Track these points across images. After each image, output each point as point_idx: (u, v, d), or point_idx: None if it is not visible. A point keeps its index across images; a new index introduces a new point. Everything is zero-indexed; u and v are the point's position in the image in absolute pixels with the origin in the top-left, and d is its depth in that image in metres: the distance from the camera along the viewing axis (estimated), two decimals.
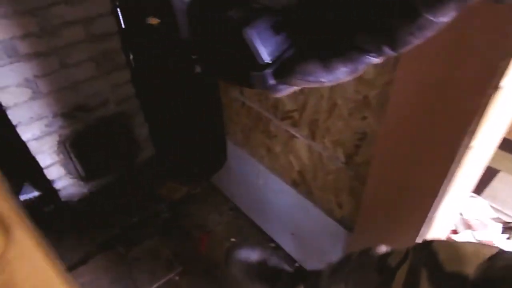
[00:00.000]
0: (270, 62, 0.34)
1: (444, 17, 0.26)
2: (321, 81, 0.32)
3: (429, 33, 0.27)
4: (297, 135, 1.22)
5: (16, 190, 1.89)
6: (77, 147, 1.74)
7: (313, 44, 0.33)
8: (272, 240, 1.64)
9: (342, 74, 0.31)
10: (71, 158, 1.75)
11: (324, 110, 1.07)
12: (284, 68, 0.33)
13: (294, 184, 1.35)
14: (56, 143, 1.67)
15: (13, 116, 1.52)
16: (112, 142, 1.86)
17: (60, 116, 1.64)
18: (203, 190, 1.90)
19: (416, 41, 0.27)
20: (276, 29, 0.33)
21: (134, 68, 1.78)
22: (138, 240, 1.61)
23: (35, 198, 1.91)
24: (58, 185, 1.79)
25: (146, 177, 1.93)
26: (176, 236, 1.67)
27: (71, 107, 1.64)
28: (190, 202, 1.83)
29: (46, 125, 1.62)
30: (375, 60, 0.30)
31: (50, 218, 1.79)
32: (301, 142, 1.21)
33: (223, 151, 1.68)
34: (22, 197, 1.89)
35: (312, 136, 1.16)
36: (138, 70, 1.79)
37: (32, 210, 1.81)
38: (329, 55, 0.31)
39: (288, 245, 1.58)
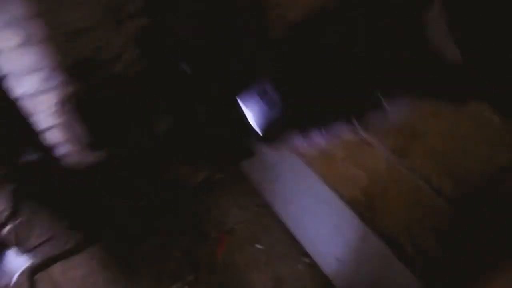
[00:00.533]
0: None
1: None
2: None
3: None
4: (375, 143, 0.83)
5: (18, 150, 1.63)
6: (83, 109, 1.43)
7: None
8: (307, 255, 1.31)
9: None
10: (74, 122, 1.45)
11: None
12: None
13: (354, 202, 0.98)
14: (55, 102, 1.37)
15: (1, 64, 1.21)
16: (125, 107, 1.53)
17: (60, 70, 1.31)
18: (226, 176, 1.57)
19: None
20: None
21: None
22: (142, 235, 1.33)
23: (38, 161, 1.65)
24: (59, 151, 1.51)
25: (162, 153, 1.61)
26: (189, 234, 1.37)
27: (73, 59, 1.31)
28: (209, 190, 1.52)
29: (43, 80, 1.31)
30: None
31: (49, 185, 1.55)
32: (379, 153, 0.83)
33: None
34: (25, 158, 1.64)
35: (402, 150, 0.78)
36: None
37: (33, 173, 1.57)
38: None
39: (329, 267, 1.25)
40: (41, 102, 1.34)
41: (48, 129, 1.42)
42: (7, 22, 1.13)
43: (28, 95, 1.31)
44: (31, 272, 1.24)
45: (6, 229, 1.37)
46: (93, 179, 1.54)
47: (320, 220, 1.16)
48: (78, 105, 1.40)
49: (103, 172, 1.56)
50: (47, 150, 1.49)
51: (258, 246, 1.35)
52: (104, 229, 1.37)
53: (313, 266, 1.28)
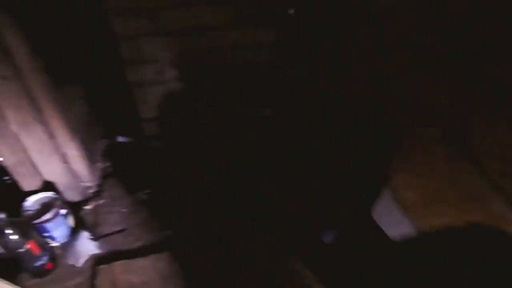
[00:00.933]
0: None
1: None
2: None
3: None
4: None
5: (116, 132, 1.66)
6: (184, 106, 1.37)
7: None
8: None
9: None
10: (172, 118, 1.40)
11: None
12: None
13: None
14: (161, 96, 1.33)
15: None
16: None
17: (175, 66, 1.27)
18: None
19: None
20: None
21: None
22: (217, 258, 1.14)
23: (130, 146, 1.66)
24: (152, 142, 1.49)
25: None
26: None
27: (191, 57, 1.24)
28: None
29: (158, 72, 1.28)
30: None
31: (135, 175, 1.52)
32: None
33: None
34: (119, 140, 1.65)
35: None
36: None
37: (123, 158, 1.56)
38: None
39: None
40: (150, 93, 1.32)
41: (149, 120, 1.40)
42: None
43: (141, 84, 1.30)
44: (96, 262, 1.19)
45: (88, 207, 1.37)
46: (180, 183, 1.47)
47: None
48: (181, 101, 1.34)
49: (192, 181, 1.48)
50: (141, 139, 1.47)
51: None
52: (178, 238, 1.26)
53: None
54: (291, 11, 1.23)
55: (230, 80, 1.32)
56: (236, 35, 1.23)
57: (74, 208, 1.31)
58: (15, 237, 1.00)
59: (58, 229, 1.19)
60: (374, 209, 0.99)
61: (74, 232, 1.24)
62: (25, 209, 1.16)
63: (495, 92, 0.92)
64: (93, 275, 1.15)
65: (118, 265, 1.17)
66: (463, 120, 0.99)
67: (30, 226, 1.08)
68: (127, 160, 1.52)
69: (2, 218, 0.97)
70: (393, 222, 0.89)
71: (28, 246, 1.04)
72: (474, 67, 0.94)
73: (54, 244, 1.21)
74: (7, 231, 0.99)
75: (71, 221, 1.24)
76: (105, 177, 1.47)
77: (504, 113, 0.90)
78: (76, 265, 1.17)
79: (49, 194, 1.20)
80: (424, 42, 1.00)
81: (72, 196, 1.35)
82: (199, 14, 1.16)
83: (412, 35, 1.01)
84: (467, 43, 0.93)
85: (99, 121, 1.55)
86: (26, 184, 1.24)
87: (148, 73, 1.25)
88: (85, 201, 1.37)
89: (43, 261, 1.11)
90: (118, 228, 1.29)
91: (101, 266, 1.16)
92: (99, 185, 1.43)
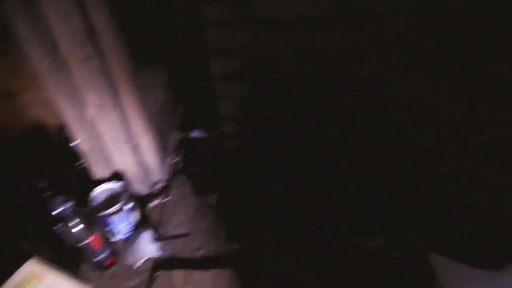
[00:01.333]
0: None
1: None
2: None
3: None
4: None
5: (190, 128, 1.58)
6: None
7: None
8: None
9: None
10: (248, 120, 1.25)
11: None
12: None
13: None
14: (241, 94, 1.19)
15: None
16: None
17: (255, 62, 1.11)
18: None
19: None
20: None
21: None
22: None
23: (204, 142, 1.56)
24: (229, 142, 1.36)
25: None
26: None
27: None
28: None
29: (242, 67, 1.14)
30: None
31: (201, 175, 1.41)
32: None
33: None
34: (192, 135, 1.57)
35: None
36: None
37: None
38: None
39: None
40: (233, 89, 1.19)
41: (226, 117, 1.28)
42: None
43: (224, 78, 1.17)
44: (155, 265, 1.10)
45: (153, 203, 1.29)
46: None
47: None
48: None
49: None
50: (217, 137, 1.36)
51: None
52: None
53: None
54: None
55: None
56: None
57: (139, 202, 1.23)
58: (80, 228, 0.94)
59: (122, 223, 1.12)
60: None
61: (136, 229, 1.16)
62: (92, 199, 1.11)
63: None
64: (151, 279, 1.05)
65: (178, 274, 1.06)
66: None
67: (95, 219, 1.02)
68: (199, 158, 1.42)
69: (70, 206, 0.90)
70: None
71: (91, 238, 0.98)
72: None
73: (115, 239, 1.15)
74: (73, 222, 0.93)
75: (135, 217, 1.17)
76: (174, 173, 1.39)
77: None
78: (135, 265, 1.09)
79: (117, 185, 1.14)
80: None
81: (139, 189, 1.28)
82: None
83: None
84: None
85: (174, 114, 1.48)
86: (97, 171, 1.19)
87: (234, 66, 1.13)
88: (151, 197, 1.29)
89: (104, 255, 1.04)
90: (181, 231, 1.18)
91: (160, 272, 1.06)
92: (167, 181, 1.35)
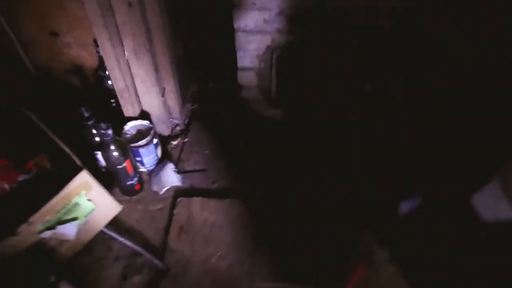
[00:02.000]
0: None
1: None
2: None
3: None
4: None
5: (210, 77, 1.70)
6: (283, 64, 1.34)
7: None
8: None
9: None
10: (270, 72, 1.39)
11: None
12: None
13: None
14: (264, 46, 1.31)
15: None
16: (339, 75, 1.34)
17: (284, 16, 1.23)
18: None
19: None
20: None
21: None
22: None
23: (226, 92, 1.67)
24: (244, 93, 1.50)
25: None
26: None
27: (303, 8, 1.20)
28: None
29: (265, 21, 1.26)
30: None
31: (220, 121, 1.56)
32: None
33: None
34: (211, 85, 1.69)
35: None
36: None
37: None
38: None
39: None
40: (253, 42, 1.32)
41: (244, 69, 1.41)
42: None
43: (245, 31, 1.29)
44: (177, 193, 1.28)
45: (174, 142, 1.45)
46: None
47: None
48: (282, 57, 1.32)
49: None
50: (234, 88, 1.49)
51: None
52: (260, 190, 1.29)
53: None
54: None
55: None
56: None
57: (163, 141, 1.39)
58: (117, 153, 1.10)
59: (148, 156, 1.28)
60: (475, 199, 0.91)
61: (160, 162, 1.33)
62: (124, 132, 1.26)
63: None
64: (173, 205, 1.23)
65: (196, 201, 1.24)
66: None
67: (128, 148, 1.18)
68: (216, 107, 1.57)
69: (110, 134, 1.06)
70: (500, 214, 0.83)
71: (125, 164, 1.14)
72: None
73: (143, 169, 1.32)
74: (112, 147, 1.08)
75: (159, 151, 1.33)
76: (192, 118, 1.54)
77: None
78: (159, 193, 1.26)
79: (145, 122, 1.29)
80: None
81: (162, 129, 1.43)
82: None
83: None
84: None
85: (195, 64, 1.60)
86: (127, 110, 1.33)
87: (256, 21, 1.24)
88: (173, 137, 1.45)
89: (134, 181, 1.21)
90: (199, 168, 1.35)
91: (181, 199, 1.24)
92: (186, 125, 1.50)
